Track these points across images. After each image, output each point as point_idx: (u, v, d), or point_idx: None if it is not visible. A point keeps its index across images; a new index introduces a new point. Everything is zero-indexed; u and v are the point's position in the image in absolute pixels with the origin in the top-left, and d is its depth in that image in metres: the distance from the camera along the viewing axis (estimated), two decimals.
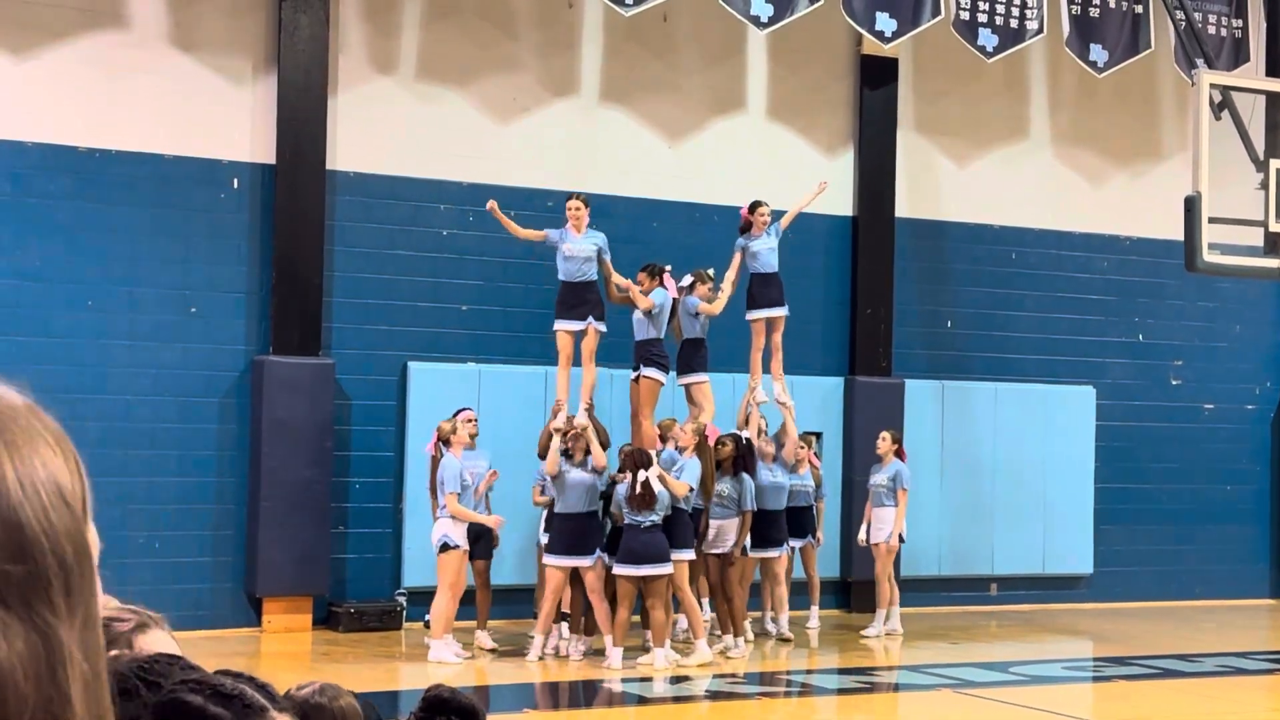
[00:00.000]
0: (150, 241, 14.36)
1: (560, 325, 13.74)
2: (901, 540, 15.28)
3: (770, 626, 14.84)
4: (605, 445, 13.59)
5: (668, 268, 14.15)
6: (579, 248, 13.66)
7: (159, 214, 14.40)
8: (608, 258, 13.86)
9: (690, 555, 13.36)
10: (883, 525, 15.25)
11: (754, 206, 14.69)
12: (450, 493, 12.96)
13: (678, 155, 16.43)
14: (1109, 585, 18.21)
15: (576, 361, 13.79)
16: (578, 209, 13.77)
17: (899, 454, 15.36)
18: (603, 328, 13.65)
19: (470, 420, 13.49)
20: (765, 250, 14.60)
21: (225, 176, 14.67)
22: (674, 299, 13.97)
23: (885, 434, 15.50)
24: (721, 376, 15.16)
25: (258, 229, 14.74)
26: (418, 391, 15.02)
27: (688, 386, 14.30)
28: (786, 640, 14.68)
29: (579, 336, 13.65)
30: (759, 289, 14.60)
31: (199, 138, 14.53)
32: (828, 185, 15.44)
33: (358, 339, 15.04)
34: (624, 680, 12.72)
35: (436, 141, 15.37)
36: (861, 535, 15.53)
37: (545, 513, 13.65)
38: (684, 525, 13.28)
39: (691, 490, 13.31)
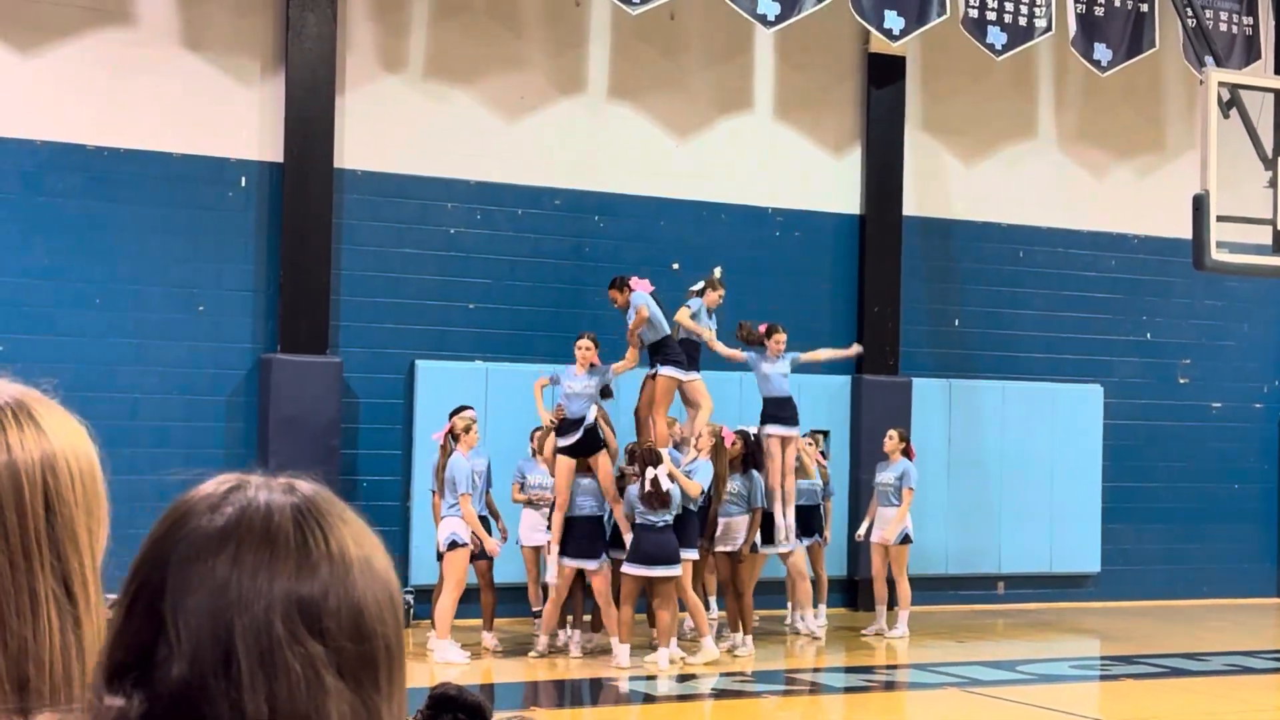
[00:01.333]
0: (158, 240, 14.38)
1: (561, 442, 13.41)
2: (909, 540, 15.26)
3: (800, 625, 14.84)
4: (613, 450, 13.62)
5: (636, 279, 13.96)
6: (581, 385, 13.33)
7: (167, 212, 14.42)
8: (611, 380, 13.53)
9: (694, 555, 13.37)
10: (887, 525, 15.23)
11: (771, 331, 14.52)
12: (464, 494, 13.00)
13: (684, 154, 16.43)
14: (1116, 584, 18.20)
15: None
16: (587, 348, 13.37)
17: (906, 453, 15.33)
18: (607, 462, 13.40)
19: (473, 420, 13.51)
20: (778, 376, 14.51)
21: (233, 175, 14.68)
22: (651, 291, 13.84)
23: (892, 432, 15.47)
24: (730, 375, 15.17)
25: (265, 227, 14.76)
26: (425, 390, 15.03)
27: (682, 384, 14.28)
28: (815, 638, 14.70)
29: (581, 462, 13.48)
30: (774, 410, 14.42)
31: (207, 136, 14.55)
32: (861, 351, 15.61)
33: (365, 337, 15.05)
34: (630, 678, 12.73)
35: (444, 140, 15.38)
36: (861, 531, 15.54)
37: (523, 510, 13.81)
38: (690, 524, 13.30)
39: (703, 492, 13.31)
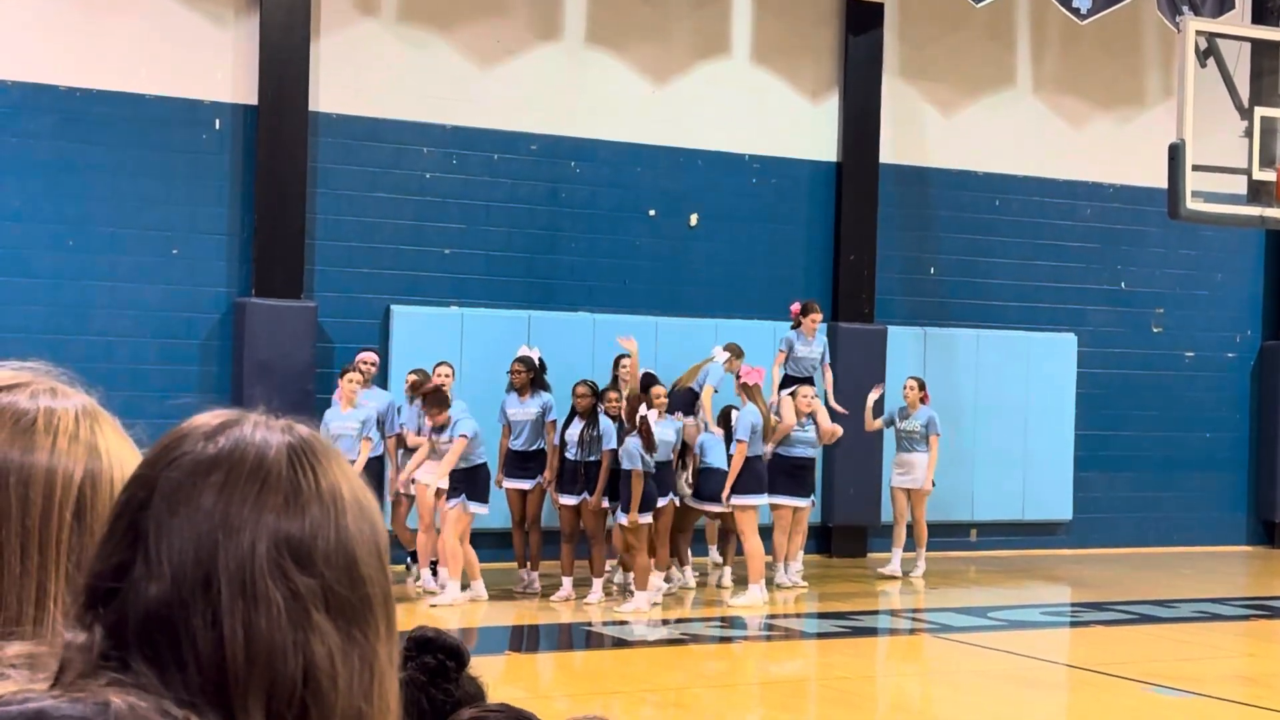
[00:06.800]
0: (132, 182, 14.30)
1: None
2: (933, 485, 15.51)
3: (789, 578, 14.86)
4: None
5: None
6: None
7: (141, 154, 14.33)
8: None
9: (760, 500, 13.82)
10: (914, 470, 15.48)
11: (807, 309, 14.94)
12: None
13: (662, 99, 16.37)
14: (1088, 531, 18.32)
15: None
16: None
17: (924, 400, 15.56)
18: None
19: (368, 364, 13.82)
20: (809, 361, 14.96)
21: (207, 117, 14.59)
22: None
23: (911, 381, 15.67)
24: (704, 322, 15.16)
25: (239, 170, 14.68)
26: (400, 335, 15.01)
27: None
28: (801, 587, 14.79)
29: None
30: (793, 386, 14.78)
31: (181, 78, 14.45)
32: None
33: (340, 282, 15.01)
34: (610, 624, 12.79)
35: (419, 84, 15.29)
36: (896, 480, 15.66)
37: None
38: (752, 471, 13.67)
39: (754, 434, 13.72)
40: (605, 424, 13.49)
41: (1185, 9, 15.21)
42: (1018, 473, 17.74)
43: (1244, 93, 14.16)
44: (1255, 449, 19.41)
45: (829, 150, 17.11)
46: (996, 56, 17.98)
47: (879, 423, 15.63)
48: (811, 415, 14.56)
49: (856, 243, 17.01)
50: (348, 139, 15.06)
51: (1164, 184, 13.78)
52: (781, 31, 16.90)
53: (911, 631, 13.46)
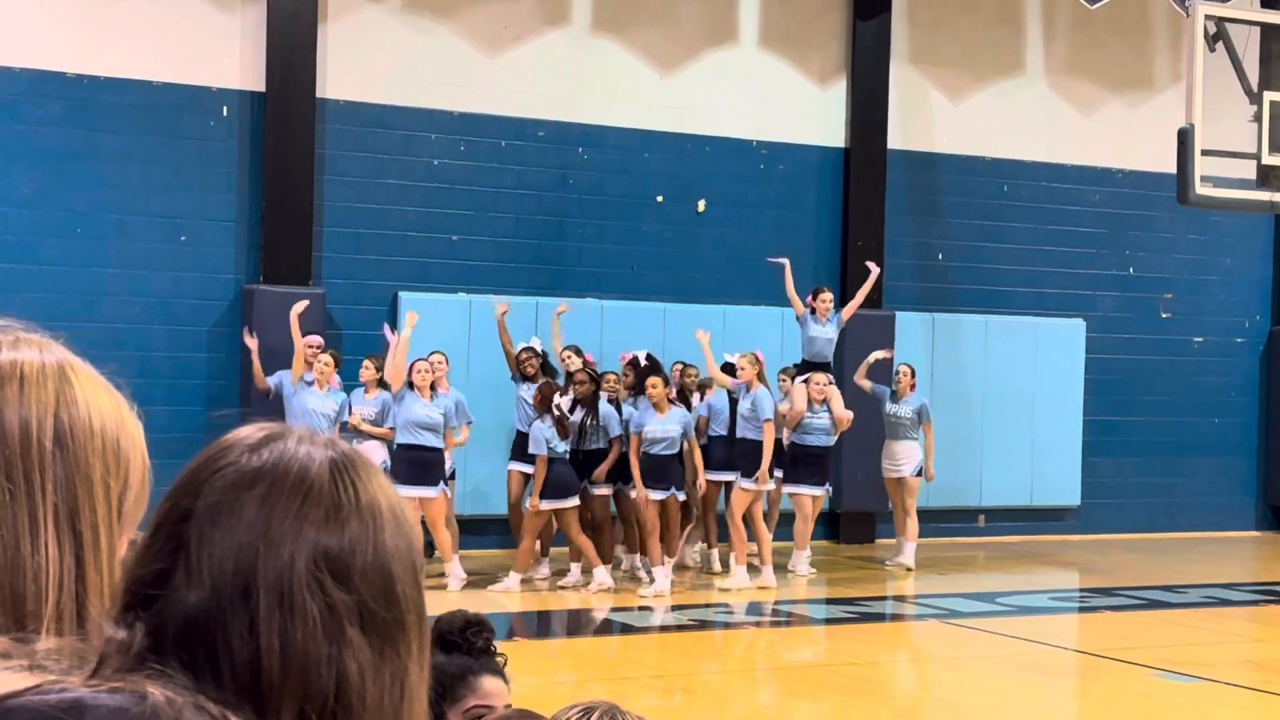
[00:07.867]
0: (140, 169, 14.30)
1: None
2: (922, 473, 15.36)
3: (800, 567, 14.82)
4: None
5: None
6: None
7: (148, 141, 14.33)
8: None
9: (756, 485, 13.71)
10: (907, 459, 15.35)
11: (816, 292, 14.86)
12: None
13: (669, 85, 16.35)
14: (1096, 517, 18.31)
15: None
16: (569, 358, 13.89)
17: (913, 387, 15.49)
18: None
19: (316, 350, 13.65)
20: (823, 340, 14.82)
21: (215, 104, 14.59)
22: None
23: (905, 368, 15.57)
24: (712, 308, 15.14)
25: (247, 157, 14.68)
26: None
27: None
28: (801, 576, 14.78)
29: None
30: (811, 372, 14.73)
31: (189, 64, 14.44)
32: (879, 271, 15.67)
33: (348, 268, 15.01)
34: (612, 609, 12.80)
35: (427, 70, 15.28)
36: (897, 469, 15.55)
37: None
38: (748, 454, 13.62)
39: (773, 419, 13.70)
40: (606, 410, 13.52)
41: None
42: (1026, 458, 17.73)
43: (1253, 77, 14.13)
44: (1264, 434, 19.39)
45: (837, 136, 17.09)
46: (1005, 41, 17.94)
47: (869, 384, 15.46)
48: (825, 402, 14.47)
49: (864, 229, 16.99)
50: (355, 125, 15.06)
51: (1173, 169, 13.76)
52: (789, 17, 16.88)
53: (920, 617, 13.46)
